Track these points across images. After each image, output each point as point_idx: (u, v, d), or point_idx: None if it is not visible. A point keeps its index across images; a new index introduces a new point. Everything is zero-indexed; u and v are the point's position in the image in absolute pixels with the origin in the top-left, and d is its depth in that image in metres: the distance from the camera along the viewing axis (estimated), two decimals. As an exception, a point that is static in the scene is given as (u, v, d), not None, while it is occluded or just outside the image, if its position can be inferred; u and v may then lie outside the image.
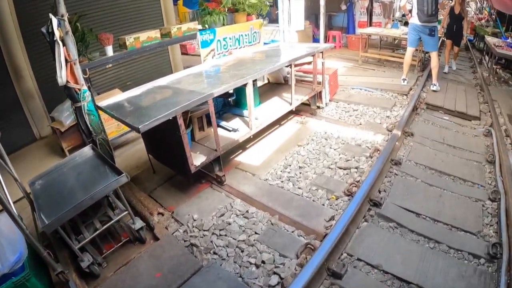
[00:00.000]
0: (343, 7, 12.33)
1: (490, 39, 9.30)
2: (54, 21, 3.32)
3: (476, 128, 5.70)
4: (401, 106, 6.35)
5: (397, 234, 3.35)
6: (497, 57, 8.20)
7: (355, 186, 3.92)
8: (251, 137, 4.74)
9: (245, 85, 4.24)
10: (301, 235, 3.40)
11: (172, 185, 4.43)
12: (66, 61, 3.45)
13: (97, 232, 3.11)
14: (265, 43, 6.85)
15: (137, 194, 4.18)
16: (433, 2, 6.42)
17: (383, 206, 3.65)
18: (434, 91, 7.03)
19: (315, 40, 11.62)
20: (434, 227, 3.41)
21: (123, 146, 5.49)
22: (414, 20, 6.85)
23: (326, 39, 11.47)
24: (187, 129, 4.00)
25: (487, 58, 9.67)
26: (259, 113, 5.09)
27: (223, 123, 4.80)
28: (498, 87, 7.80)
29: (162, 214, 3.85)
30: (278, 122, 5.73)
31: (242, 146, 5.07)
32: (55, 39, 3.33)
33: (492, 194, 3.81)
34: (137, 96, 4.12)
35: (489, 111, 6.27)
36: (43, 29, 3.39)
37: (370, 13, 12.44)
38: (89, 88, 4.43)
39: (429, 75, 7.73)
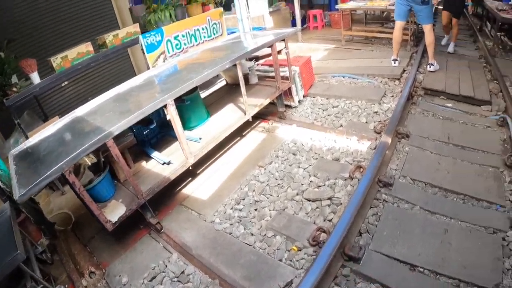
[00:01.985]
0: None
1: (490, 3, 8.14)
2: None
3: (488, 116, 4.61)
4: (392, 96, 5.18)
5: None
6: (500, 23, 7.09)
7: (324, 231, 2.86)
8: (190, 168, 3.77)
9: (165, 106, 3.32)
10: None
11: (110, 232, 3.57)
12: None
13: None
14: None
15: (72, 246, 3.63)
16: None
17: (364, 259, 2.64)
18: (431, 71, 5.88)
19: (293, 22, 10.51)
20: (436, 284, 2.43)
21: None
22: None
23: (307, 19, 10.73)
24: (105, 169, 3.31)
25: (488, 25, 8.64)
26: (205, 130, 4.21)
27: (154, 154, 3.92)
28: (506, 58, 6.68)
29: (94, 273, 3.20)
30: (239, 133, 4.72)
31: (192, 172, 4.16)
32: None
33: (515, 220, 2.79)
34: (49, 136, 3.34)
35: (501, 91, 5.16)
36: None
37: (352, -15, 11.31)
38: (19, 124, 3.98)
39: (425, 51, 6.54)
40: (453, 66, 6.18)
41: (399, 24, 6.03)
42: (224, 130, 4.09)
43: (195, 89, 4.26)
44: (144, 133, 4.13)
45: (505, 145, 3.90)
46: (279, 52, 5.18)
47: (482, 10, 9.72)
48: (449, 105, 4.95)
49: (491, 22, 8.28)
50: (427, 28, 5.73)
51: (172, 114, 3.34)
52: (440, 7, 7.55)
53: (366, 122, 4.54)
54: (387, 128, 4.03)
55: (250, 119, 4.39)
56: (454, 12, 6.92)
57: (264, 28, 7.65)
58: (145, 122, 3.93)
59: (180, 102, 4.07)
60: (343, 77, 6.14)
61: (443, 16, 7.23)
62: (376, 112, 4.75)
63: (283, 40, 4.73)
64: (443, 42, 7.54)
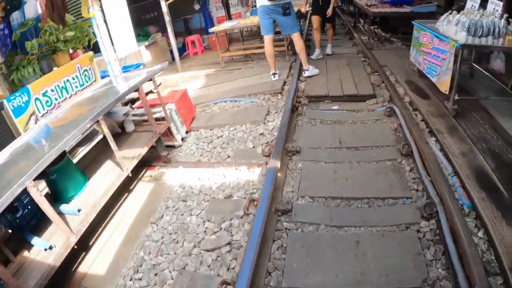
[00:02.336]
0: (197, 6, 11.37)
1: (359, 0, 9.03)
2: None
3: (375, 109, 4.80)
4: (276, 112, 5.14)
5: None
6: (372, 17, 7.86)
7: (228, 284, 2.58)
8: (75, 247, 3.30)
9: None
10: None
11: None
12: None
13: None
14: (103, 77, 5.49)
15: None
16: None
17: (278, 301, 2.40)
18: (309, 76, 6.10)
19: (172, 51, 10.47)
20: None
21: None
22: (261, 1, 5.81)
23: (186, 46, 10.75)
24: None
25: (361, 20, 9.59)
26: (85, 198, 3.68)
27: (35, 240, 3.31)
28: (382, 49, 7.29)
29: None
30: (126, 188, 4.33)
31: (84, 245, 3.66)
32: None
33: (425, 210, 2.84)
34: None
35: (383, 82, 5.46)
36: None
37: (226, 5, 11.78)
38: None
39: (304, 59, 6.74)
40: (333, 67, 6.44)
41: (267, 38, 6.16)
42: (103, 195, 3.63)
43: (63, 154, 3.74)
44: (21, 217, 3.49)
45: (397, 133, 4.05)
46: (148, 93, 4.91)
47: (354, 8, 10.64)
48: (335, 107, 5.05)
49: (363, 17, 9.13)
50: (295, 37, 6.00)
51: (35, 197, 2.86)
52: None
53: (253, 147, 4.37)
54: (275, 148, 3.88)
55: (130, 175, 4.00)
56: (325, 16, 7.15)
57: (142, 64, 7.44)
58: (13, 209, 3.44)
59: (47, 176, 3.59)
60: (225, 102, 6.03)
61: (314, 20, 7.41)
62: (262, 134, 4.62)
63: (151, 79, 4.46)
64: (314, 56, 7.50)
